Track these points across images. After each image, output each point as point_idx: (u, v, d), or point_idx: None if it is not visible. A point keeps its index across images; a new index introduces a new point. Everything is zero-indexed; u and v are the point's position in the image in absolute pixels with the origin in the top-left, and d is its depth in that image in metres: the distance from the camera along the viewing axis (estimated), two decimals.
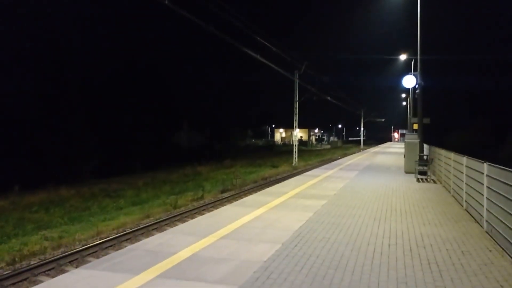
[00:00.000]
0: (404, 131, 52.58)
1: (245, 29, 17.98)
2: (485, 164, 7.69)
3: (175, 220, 13.30)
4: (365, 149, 62.21)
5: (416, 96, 18.83)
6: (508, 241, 6.08)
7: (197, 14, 13.80)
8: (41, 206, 16.12)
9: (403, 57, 33.61)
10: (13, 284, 8.14)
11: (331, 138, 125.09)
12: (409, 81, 21.43)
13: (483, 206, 7.72)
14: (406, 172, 18.50)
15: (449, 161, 12.60)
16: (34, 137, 41.13)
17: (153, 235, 10.35)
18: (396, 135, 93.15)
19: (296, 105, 34.43)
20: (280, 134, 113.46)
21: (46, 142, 40.66)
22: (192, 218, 12.62)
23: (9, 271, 8.66)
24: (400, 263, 5.70)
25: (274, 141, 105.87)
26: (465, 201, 9.76)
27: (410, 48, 29.68)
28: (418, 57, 17.61)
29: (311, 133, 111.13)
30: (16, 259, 9.47)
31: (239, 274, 5.15)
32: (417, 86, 17.86)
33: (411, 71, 28.45)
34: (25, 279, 8.37)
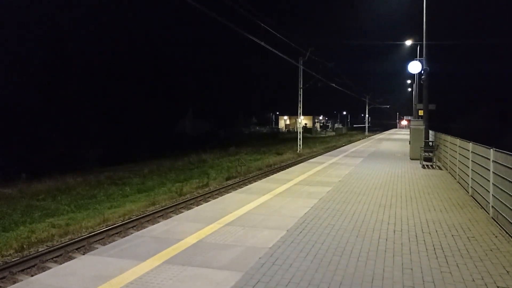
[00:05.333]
0: (409, 118, 52.25)
1: (249, 15, 17.80)
2: (491, 149, 7.63)
3: (181, 207, 13.37)
4: (370, 136, 61.99)
5: (421, 82, 18.65)
6: None
7: (201, 1, 13.65)
8: (48, 194, 16.25)
9: (408, 42, 33.23)
10: (22, 270, 8.25)
11: (336, 125, 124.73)
12: (414, 67, 21.19)
13: (489, 192, 7.69)
14: (412, 159, 18.43)
15: (455, 147, 12.53)
16: (38, 126, 41.32)
17: (158, 222, 10.42)
18: (404, 122, 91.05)
19: (301, 92, 34.22)
20: (284, 121, 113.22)
21: (50, 130, 40.85)
22: (197, 205, 12.69)
23: (18, 258, 8.78)
24: (405, 249, 5.70)
25: (278, 128, 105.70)
26: (471, 187, 9.73)
27: (416, 33, 29.31)
28: (424, 42, 17.38)
29: (316, 120, 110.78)
30: (24, 246, 9.59)
31: (244, 260, 5.18)
32: (422, 72, 17.67)
33: (417, 57, 28.13)
34: (33, 266, 8.49)
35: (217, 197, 12.95)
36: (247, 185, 14.34)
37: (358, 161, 18.17)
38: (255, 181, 16.15)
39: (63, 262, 8.03)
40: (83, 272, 4.78)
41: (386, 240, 6.12)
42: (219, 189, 16.67)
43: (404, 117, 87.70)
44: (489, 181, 7.72)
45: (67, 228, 11.11)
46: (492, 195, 7.48)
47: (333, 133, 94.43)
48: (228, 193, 13.27)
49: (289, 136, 67.12)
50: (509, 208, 6.36)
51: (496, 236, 6.33)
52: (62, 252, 9.15)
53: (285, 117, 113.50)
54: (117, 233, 10.68)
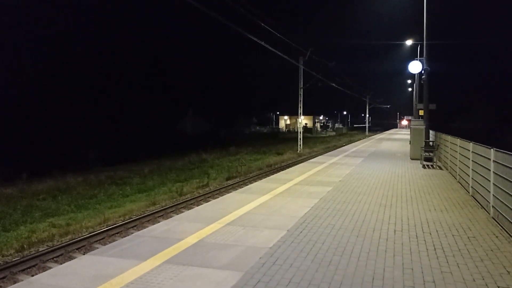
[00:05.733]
0: (409, 117, 52.20)
1: (249, 15, 17.80)
2: (492, 149, 7.63)
3: (181, 207, 13.38)
4: (371, 135, 61.98)
5: (422, 82, 18.64)
6: None
7: (201, 1, 13.64)
8: (49, 193, 16.26)
9: (409, 42, 33.27)
10: (22, 270, 8.26)
11: (336, 125, 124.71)
12: (415, 66, 21.18)
13: (489, 192, 7.69)
14: (412, 159, 18.43)
15: (455, 147, 12.53)
16: (38, 126, 41.30)
17: (159, 222, 10.43)
18: (404, 122, 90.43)
19: (301, 91, 34.21)
20: (284, 121, 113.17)
21: (50, 130, 40.82)
22: (197, 205, 12.69)
23: (18, 258, 8.78)
24: (405, 248, 5.70)
25: (278, 128, 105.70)
26: (471, 187, 9.72)
27: (416, 33, 29.34)
28: (424, 42, 17.37)
29: (316, 120, 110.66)
30: (25, 246, 9.59)
31: (245, 260, 5.18)
32: (423, 71, 17.67)
33: (417, 57, 28.13)
34: (34, 266, 8.49)
35: (218, 197, 12.96)
36: (247, 185, 14.33)
37: (358, 161, 18.17)
38: (256, 181, 16.15)
39: (64, 262, 8.04)
40: (83, 272, 4.78)
41: (387, 240, 6.12)
42: (219, 189, 16.67)
43: (405, 117, 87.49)
44: (489, 181, 7.71)
45: (68, 228, 11.11)
46: (493, 195, 7.47)
47: (334, 133, 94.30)
48: (228, 193, 13.27)
49: (289, 136, 67.05)
50: (510, 208, 6.36)
51: (496, 236, 6.33)
52: (63, 252, 9.15)
53: (285, 117, 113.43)
54: (117, 233, 10.68)
